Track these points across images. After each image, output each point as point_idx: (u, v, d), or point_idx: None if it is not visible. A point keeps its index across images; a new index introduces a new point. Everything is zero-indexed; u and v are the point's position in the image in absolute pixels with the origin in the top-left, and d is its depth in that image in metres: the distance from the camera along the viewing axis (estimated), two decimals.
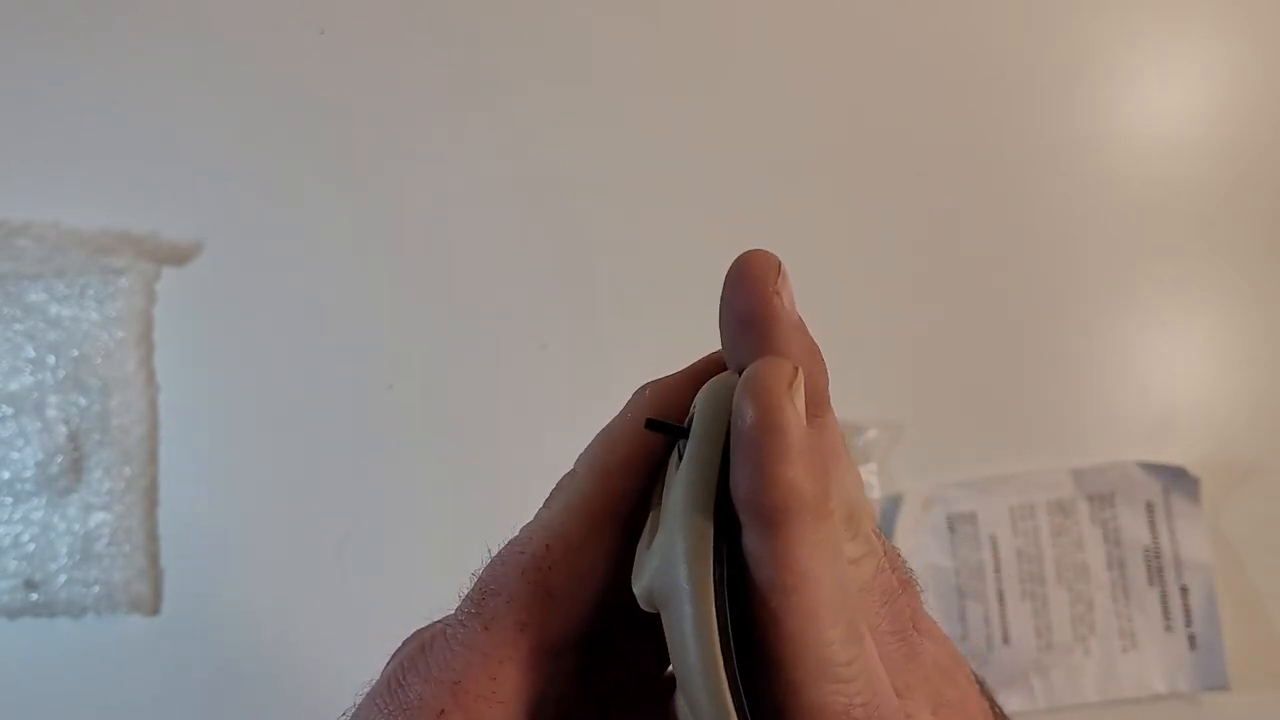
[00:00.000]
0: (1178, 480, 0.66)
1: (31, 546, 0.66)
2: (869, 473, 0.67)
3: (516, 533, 0.26)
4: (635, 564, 0.24)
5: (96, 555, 0.66)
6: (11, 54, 0.72)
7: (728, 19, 0.73)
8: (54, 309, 0.68)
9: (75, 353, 0.68)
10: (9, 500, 0.67)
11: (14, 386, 0.68)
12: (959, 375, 0.69)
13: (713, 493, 0.22)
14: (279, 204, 0.70)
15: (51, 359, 0.68)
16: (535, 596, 0.25)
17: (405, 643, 0.27)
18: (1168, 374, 0.69)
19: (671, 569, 0.22)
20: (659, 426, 0.24)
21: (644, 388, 0.26)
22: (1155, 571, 0.65)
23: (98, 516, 0.66)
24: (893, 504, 0.67)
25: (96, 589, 0.65)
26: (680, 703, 0.24)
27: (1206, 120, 0.72)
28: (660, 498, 0.24)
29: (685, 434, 0.23)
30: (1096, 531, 0.66)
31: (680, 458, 0.23)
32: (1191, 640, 0.65)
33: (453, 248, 0.70)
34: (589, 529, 0.25)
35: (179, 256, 0.69)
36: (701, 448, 0.22)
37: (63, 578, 0.66)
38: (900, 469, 0.67)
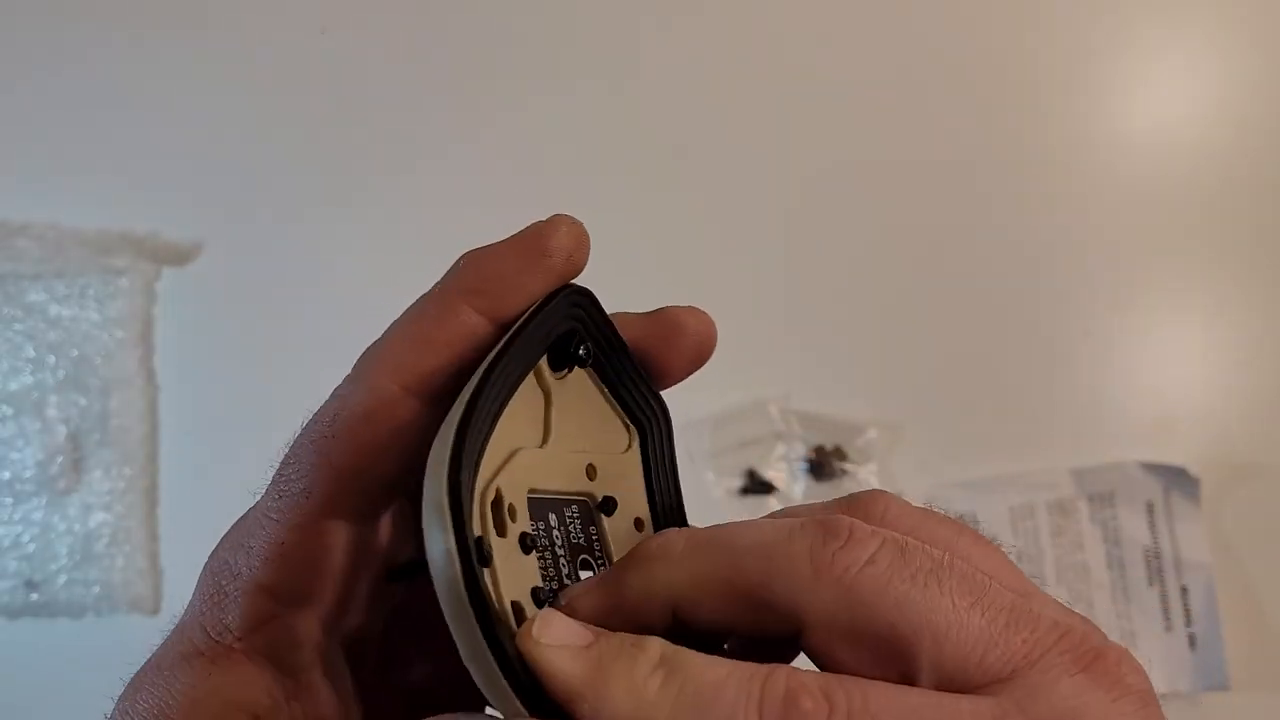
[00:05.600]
0: (1178, 480, 0.66)
1: (31, 547, 0.66)
2: (869, 473, 0.67)
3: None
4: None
5: (96, 555, 0.66)
6: (12, 54, 0.72)
7: (719, 20, 0.73)
8: (54, 309, 0.68)
9: (75, 353, 0.68)
10: (9, 500, 0.67)
11: (14, 386, 0.67)
12: (959, 375, 0.69)
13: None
14: (279, 204, 0.70)
15: (51, 359, 0.68)
16: (319, 467, 0.26)
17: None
18: (1168, 374, 0.69)
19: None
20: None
21: (462, 258, 0.27)
22: (1155, 571, 0.65)
23: (98, 516, 0.66)
24: None
25: (96, 589, 0.65)
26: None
27: (1206, 121, 0.71)
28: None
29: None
30: (1096, 531, 0.66)
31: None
32: (1191, 640, 0.65)
33: (453, 247, 0.70)
34: (380, 402, 0.26)
35: (179, 256, 0.69)
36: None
37: (63, 578, 0.66)
38: (900, 469, 0.67)
